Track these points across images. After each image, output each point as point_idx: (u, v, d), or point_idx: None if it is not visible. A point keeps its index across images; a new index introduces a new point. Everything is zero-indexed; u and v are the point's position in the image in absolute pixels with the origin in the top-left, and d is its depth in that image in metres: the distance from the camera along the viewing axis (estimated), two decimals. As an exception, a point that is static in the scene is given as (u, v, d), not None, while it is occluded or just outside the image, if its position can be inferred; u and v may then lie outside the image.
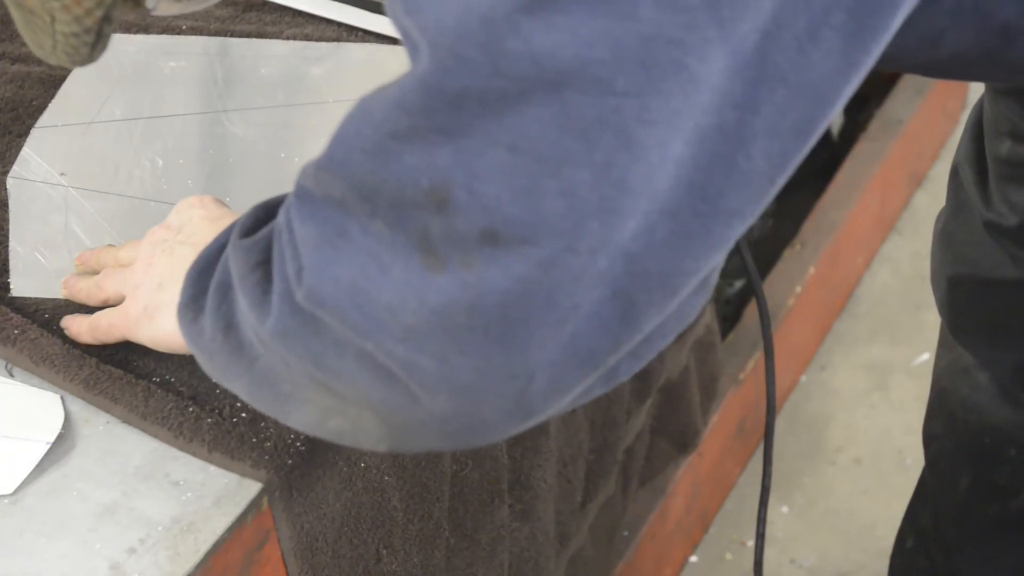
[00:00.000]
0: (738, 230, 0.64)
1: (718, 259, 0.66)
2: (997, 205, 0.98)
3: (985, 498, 1.12)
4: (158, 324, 0.92)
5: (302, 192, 0.69)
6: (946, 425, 1.15)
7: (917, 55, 0.82)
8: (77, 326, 0.97)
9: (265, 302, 0.72)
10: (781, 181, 0.64)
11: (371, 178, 0.64)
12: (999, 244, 0.99)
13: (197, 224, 0.93)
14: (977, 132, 1.02)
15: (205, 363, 0.84)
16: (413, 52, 0.62)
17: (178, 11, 0.85)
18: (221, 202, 0.97)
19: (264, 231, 0.76)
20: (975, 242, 1.02)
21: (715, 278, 0.69)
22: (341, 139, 0.65)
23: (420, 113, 0.61)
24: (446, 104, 0.60)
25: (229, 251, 0.78)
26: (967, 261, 1.03)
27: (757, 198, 0.63)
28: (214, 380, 0.87)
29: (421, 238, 0.63)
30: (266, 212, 0.79)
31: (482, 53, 0.59)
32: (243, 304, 0.75)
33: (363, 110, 0.64)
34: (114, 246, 1.02)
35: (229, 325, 0.78)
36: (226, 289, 0.79)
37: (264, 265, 0.73)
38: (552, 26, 0.57)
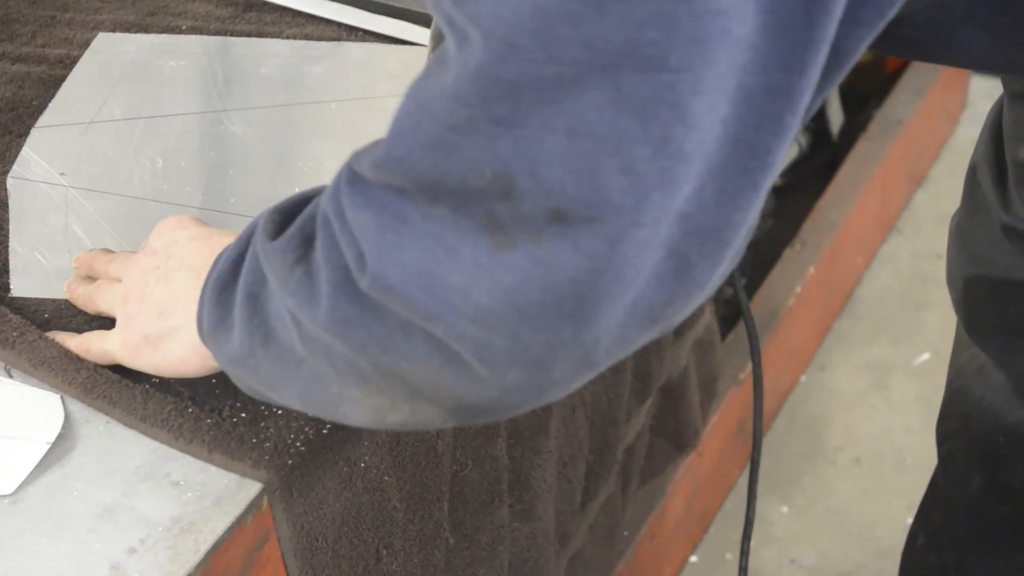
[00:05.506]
0: (775, 174, 0.66)
1: (761, 205, 0.67)
2: (1016, 209, 0.98)
3: (997, 498, 1.11)
4: (164, 352, 0.91)
5: (355, 179, 0.69)
6: (960, 424, 1.14)
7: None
8: (63, 343, 0.97)
9: (314, 296, 0.72)
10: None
11: (433, 170, 0.65)
12: (1016, 247, 0.99)
13: (184, 246, 0.91)
14: (996, 133, 1.01)
15: (248, 379, 0.83)
16: (460, 42, 0.62)
17: None
18: (200, 220, 0.95)
19: (292, 230, 0.76)
20: (992, 243, 1.02)
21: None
22: (400, 135, 0.66)
23: (477, 104, 0.62)
24: (502, 92, 0.61)
25: (258, 258, 0.78)
26: (984, 262, 1.03)
27: (788, 144, 0.66)
28: (259, 398, 0.86)
29: (487, 220, 0.64)
30: (284, 213, 0.79)
31: (536, 40, 0.59)
32: (290, 304, 0.74)
33: (419, 103, 0.65)
34: (111, 251, 1.01)
35: (267, 335, 0.78)
36: (254, 299, 0.78)
37: (302, 262, 0.74)
38: (603, 11, 0.58)
